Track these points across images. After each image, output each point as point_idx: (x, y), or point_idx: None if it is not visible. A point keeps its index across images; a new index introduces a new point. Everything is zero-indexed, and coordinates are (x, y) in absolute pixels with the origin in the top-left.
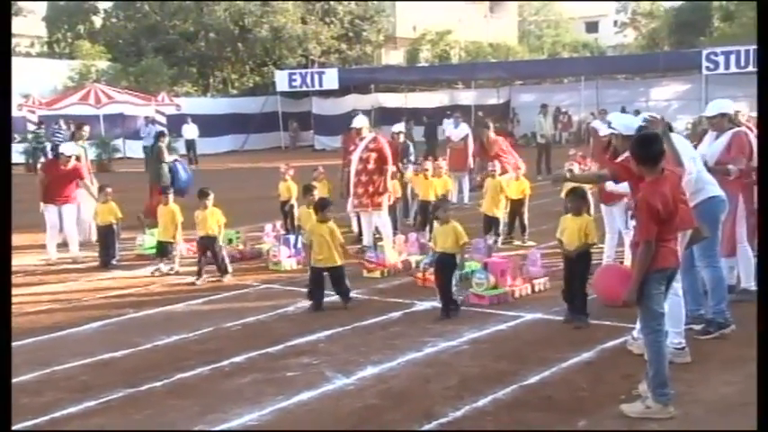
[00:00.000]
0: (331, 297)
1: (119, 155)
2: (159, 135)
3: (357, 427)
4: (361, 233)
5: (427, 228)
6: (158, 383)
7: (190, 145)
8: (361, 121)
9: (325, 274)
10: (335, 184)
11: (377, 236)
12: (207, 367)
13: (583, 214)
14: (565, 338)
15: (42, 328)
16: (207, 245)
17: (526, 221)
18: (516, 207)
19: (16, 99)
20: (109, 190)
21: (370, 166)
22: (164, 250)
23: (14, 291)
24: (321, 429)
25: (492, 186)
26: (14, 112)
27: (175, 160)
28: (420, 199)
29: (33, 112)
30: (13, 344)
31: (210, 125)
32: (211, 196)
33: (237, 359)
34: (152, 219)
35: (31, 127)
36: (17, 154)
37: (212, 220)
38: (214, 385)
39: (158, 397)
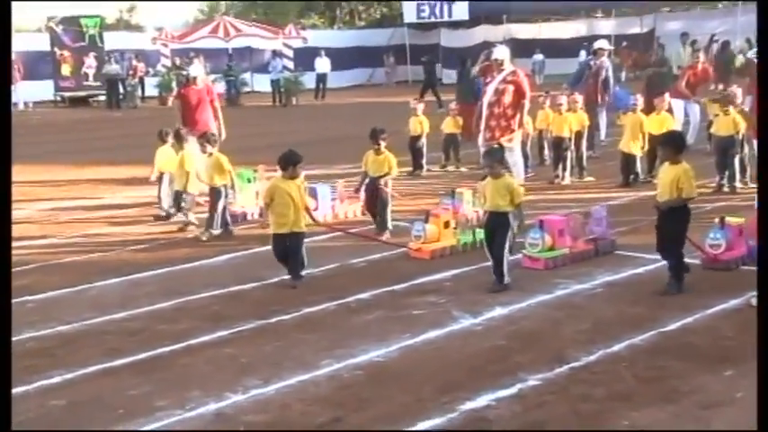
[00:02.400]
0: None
1: (246, 89)
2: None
3: (486, 367)
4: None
5: (560, 166)
6: (286, 317)
7: (321, 79)
8: (501, 52)
9: None
10: (467, 120)
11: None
12: (333, 303)
13: (680, 162)
14: (709, 284)
15: (176, 258)
16: (215, 198)
17: (746, 162)
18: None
19: (150, 33)
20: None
21: (506, 99)
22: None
23: (152, 227)
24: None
25: (631, 122)
26: (148, 46)
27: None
28: (554, 135)
29: (166, 46)
30: (150, 273)
31: (336, 58)
32: (208, 143)
33: (363, 296)
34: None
35: (165, 60)
36: (150, 87)
37: (215, 168)
38: (340, 321)
39: (287, 329)
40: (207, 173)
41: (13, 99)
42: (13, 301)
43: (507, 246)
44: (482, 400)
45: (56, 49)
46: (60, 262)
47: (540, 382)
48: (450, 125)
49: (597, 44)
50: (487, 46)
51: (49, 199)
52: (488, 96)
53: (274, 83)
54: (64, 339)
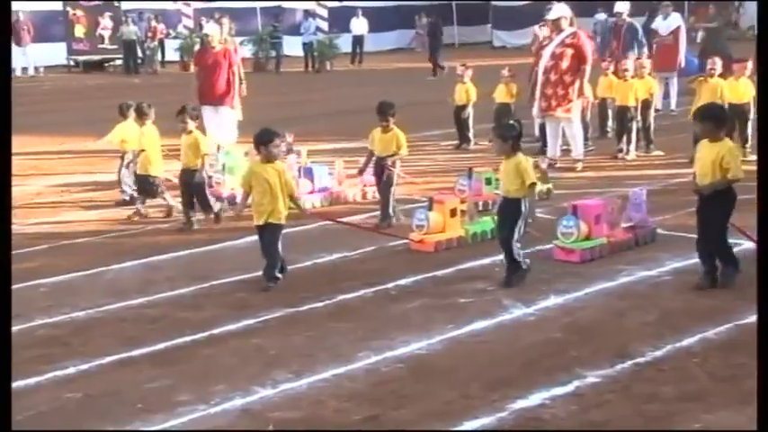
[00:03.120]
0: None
1: (279, 55)
2: None
3: (539, 362)
4: (545, 143)
5: (624, 138)
6: (319, 304)
7: (357, 41)
8: (561, 10)
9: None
10: (522, 86)
11: (565, 147)
12: (371, 289)
13: (722, 139)
14: None
15: (198, 240)
16: (186, 180)
17: (749, 132)
18: (739, 113)
19: None
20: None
21: (564, 64)
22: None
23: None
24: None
25: (707, 90)
26: (169, 5)
27: None
28: (618, 104)
29: (188, 5)
30: (170, 255)
31: (375, 19)
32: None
33: (403, 282)
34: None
35: (186, 21)
36: (172, 50)
37: (191, 148)
38: (379, 309)
39: (319, 318)
40: (182, 153)
41: (23, 63)
42: (24, 284)
43: (516, 236)
44: (535, 399)
45: (68, 9)
46: (73, 242)
47: (600, 380)
48: (502, 93)
49: (617, 7)
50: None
51: (61, 173)
52: (544, 61)
53: (306, 46)
54: (78, 327)
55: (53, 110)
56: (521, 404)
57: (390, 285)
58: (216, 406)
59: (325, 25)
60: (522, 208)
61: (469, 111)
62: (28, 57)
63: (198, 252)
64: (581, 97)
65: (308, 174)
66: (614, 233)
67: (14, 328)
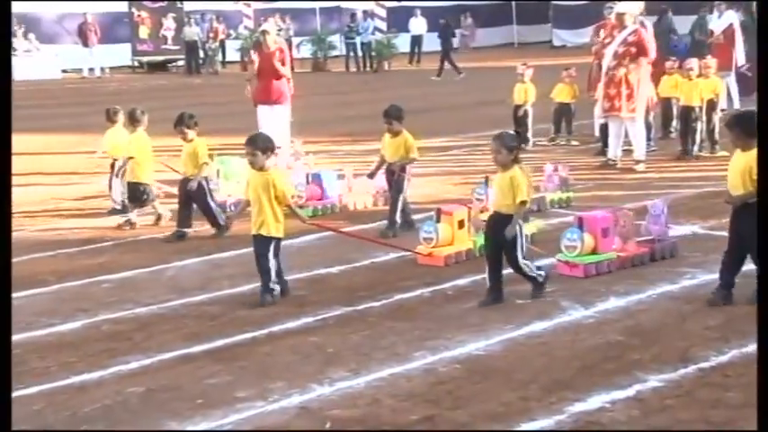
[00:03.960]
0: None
1: (335, 52)
2: None
3: (599, 365)
4: (605, 144)
5: (688, 139)
6: (376, 303)
7: (416, 41)
8: (625, 6)
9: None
10: (582, 87)
11: (626, 147)
12: (427, 289)
13: (754, 147)
14: None
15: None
16: (187, 190)
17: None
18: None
19: None
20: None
21: (628, 62)
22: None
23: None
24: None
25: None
26: (230, 6)
27: None
28: (682, 104)
29: (249, 6)
30: (231, 253)
31: (433, 18)
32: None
33: (461, 282)
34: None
35: (247, 22)
36: (233, 51)
37: (190, 157)
38: (435, 309)
39: (377, 318)
40: (182, 161)
41: (90, 64)
42: (90, 280)
43: (521, 255)
44: (594, 402)
45: (133, 10)
46: (137, 239)
47: (662, 384)
48: (562, 93)
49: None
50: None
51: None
52: (607, 60)
53: (365, 46)
54: (141, 322)
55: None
56: (579, 407)
57: (447, 285)
58: (274, 403)
59: (383, 25)
60: (517, 225)
61: (527, 110)
62: (94, 58)
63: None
64: (645, 96)
65: (317, 180)
66: (626, 247)
67: (80, 323)
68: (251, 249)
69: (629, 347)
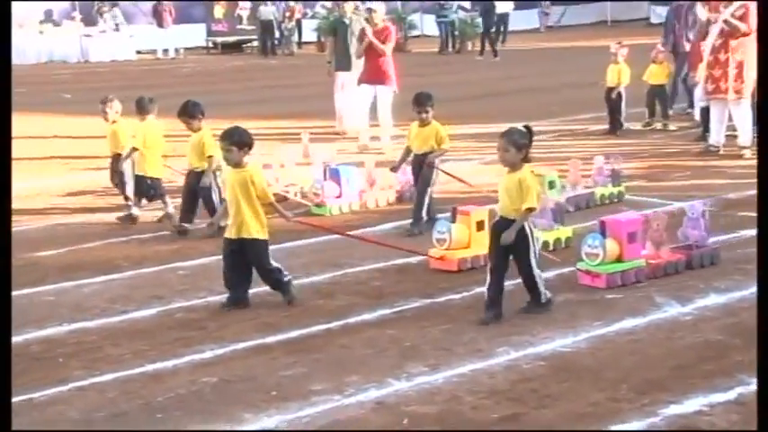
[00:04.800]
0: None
1: (415, 32)
2: None
3: (697, 366)
4: (706, 128)
5: None
6: (457, 296)
7: (501, 20)
8: None
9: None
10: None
11: (729, 133)
12: (511, 282)
13: None
14: None
15: (335, 226)
16: (190, 183)
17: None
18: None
19: None
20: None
21: (734, 42)
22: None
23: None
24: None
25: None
26: None
27: None
28: None
29: None
30: (306, 241)
31: None
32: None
33: (547, 275)
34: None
35: (325, 2)
36: (309, 31)
37: (195, 149)
38: (519, 303)
39: (457, 311)
40: (187, 153)
41: (164, 45)
42: (163, 267)
43: (535, 263)
44: (691, 405)
45: None
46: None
47: None
48: (655, 74)
49: None
50: None
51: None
52: (711, 39)
53: (446, 25)
54: (214, 311)
55: (192, 92)
56: (675, 410)
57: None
58: (350, 397)
59: (467, 3)
60: (527, 230)
61: (622, 93)
62: (168, 39)
63: (334, 239)
64: (750, 76)
65: (335, 175)
66: (659, 253)
67: (154, 310)
68: (325, 238)
69: (730, 347)
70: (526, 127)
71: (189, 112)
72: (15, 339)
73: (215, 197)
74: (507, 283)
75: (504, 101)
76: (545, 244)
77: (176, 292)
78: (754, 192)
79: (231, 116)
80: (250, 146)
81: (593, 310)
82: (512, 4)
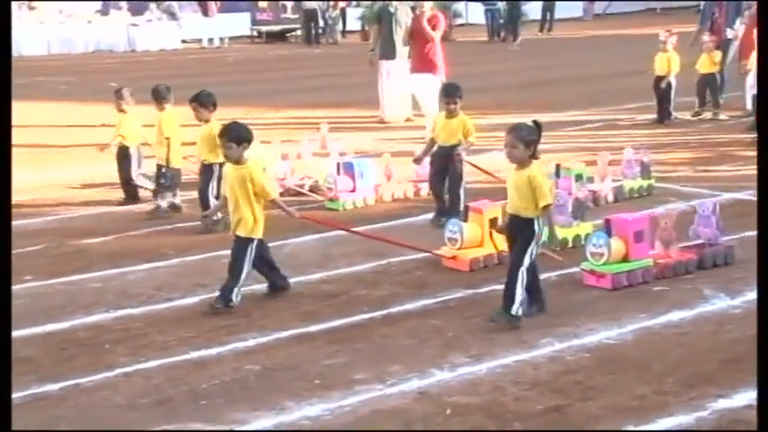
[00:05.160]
0: None
1: (460, 21)
2: None
3: (746, 360)
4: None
5: None
6: (499, 287)
7: (548, 8)
8: None
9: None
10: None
11: None
12: (555, 273)
13: None
14: None
15: (377, 215)
16: (201, 175)
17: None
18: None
19: None
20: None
21: None
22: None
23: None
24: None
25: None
26: None
27: None
28: None
29: None
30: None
31: None
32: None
33: (550, 274)
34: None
35: None
36: (353, 20)
37: (205, 141)
38: (564, 294)
39: (500, 302)
40: (198, 145)
41: (209, 34)
42: (208, 255)
43: (527, 262)
44: (741, 399)
45: None
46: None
47: None
48: (705, 63)
49: None
50: None
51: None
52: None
53: (491, 12)
54: (258, 300)
55: (237, 81)
56: (723, 404)
57: (576, 270)
58: (393, 386)
59: None
60: (536, 228)
61: (670, 81)
62: (214, 27)
63: (375, 228)
64: None
65: (349, 169)
66: (668, 253)
67: (199, 298)
68: (368, 227)
69: None
70: (535, 122)
71: (201, 100)
72: (63, 325)
73: (212, 185)
74: (551, 274)
75: (549, 90)
76: (563, 240)
77: (220, 281)
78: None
79: (275, 105)
80: (249, 141)
81: (638, 303)
82: None
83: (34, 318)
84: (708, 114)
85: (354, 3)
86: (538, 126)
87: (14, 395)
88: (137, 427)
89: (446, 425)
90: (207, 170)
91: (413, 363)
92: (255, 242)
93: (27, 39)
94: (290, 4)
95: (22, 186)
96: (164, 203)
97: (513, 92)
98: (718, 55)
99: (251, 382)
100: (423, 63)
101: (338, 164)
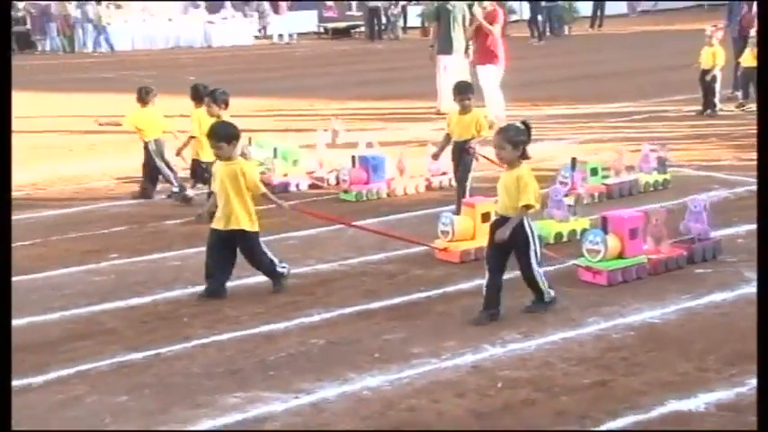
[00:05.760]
0: None
1: (514, 17)
2: None
3: None
4: None
5: None
6: (550, 268)
7: (598, 5)
8: None
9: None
10: None
11: None
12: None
13: None
14: None
15: (431, 201)
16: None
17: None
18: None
19: None
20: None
21: None
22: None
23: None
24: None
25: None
26: None
27: None
28: None
29: None
30: (407, 215)
31: None
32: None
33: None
34: None
35: None
36: (413, 17)
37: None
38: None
39: (550, 282)
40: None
41: (279, 30)
42: (275, 237)
43: (535, 260)
44: None
45: None
46: (319, 199)
47: None
48: (749, 58)
49: None
50: None
51: (306, 130)
52: None
53: (545, 9)
54: (322, 278)
55: (304, 74)
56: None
57: None
58: (447, 360)
59: None
60: (527, 228)
61: (716, 75)
62: (284, 24)
63: (432, 213)
64: None
65: (363, 163)
66: (659, 248)
67: (264, 278)
68: (425, 212)
69: None
70: (524, 123)
71: (214, 97)
72: (145, 300)
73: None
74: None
75: (599, 83)
76: (557, 236)
77: (288, 261)
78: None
79: (340, 97)
80: (237, 137)
81: (681, 284)
82: None
83: (119, 293)
84: (752, 106)
85: (414, 1)
86: (527, 127)
87: (102, 363)
88: (211, 394)
89: (498, 397)
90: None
91: (467, 339)
92: (256, 233)
93: (114, 35)
94: (354, 3)
95: (112, 171)
96: (191, 193)
97: (565, 84)
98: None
99: (315, 355)
100: (484, 55)
101: (353, 157)
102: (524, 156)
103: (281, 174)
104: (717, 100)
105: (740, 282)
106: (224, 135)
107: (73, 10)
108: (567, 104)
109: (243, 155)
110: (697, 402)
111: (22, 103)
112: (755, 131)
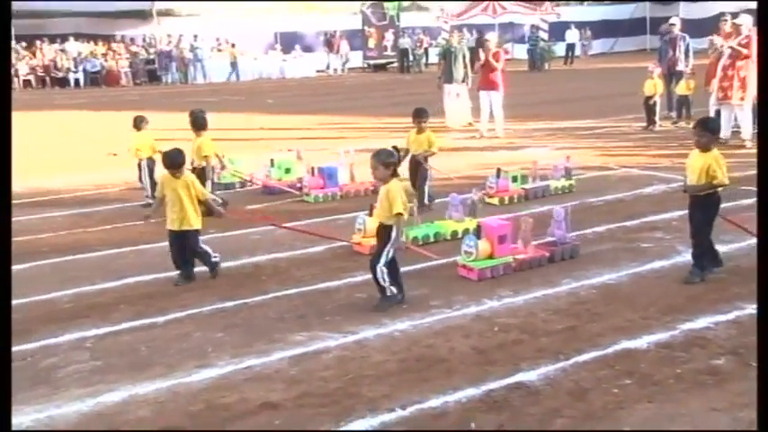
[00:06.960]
0: None
1: (507, 57)
2: None
3: (705, 296)
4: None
5: None
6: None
7: (570, 48)
8: (742, 19)
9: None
10: (699, 83)
11: (735, 129)
12: (573, 233)
13: (711, 150)
14: None
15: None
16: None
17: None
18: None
19: (435, 12)
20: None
21: (740, 62)
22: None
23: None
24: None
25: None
26: (432, 23)
27: None
28: None
29: (446, 22)
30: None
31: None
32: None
33: (599, 229)
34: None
35: (445, 35)
36: (433, 55)
37: (195, 153)
38: (580, 249)
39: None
40: (193, 154)
41: (334, 65)
42: (328, 218)
43: (383, 262)
44: (701, 323)
45: (365, 27)
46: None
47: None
48: (682, 88)
49: (671, 21)
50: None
51: (361, 137)
52: (723, 60)
53: (531, 51)
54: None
55: (351, 98)
56: (689, 326)
57: (588, 231)
58: (457, 310)
59: (545, 35)
60: (393, 234)
61: (656, 100)
62: (338, 61)
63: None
64: (751, 87)
65: (321, 172)
66: (526, 250)
67: (323, 247)
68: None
69: (731, 283)
70: (394, 147)
71: (196, 121)
72: (234, 263)
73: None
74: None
75: (571, 105)
76: (453, 233)
77: (336, 234)
78: (752, 172)
79: (379, 115)
80: (183, 163)
81: (631, 255)
82: (577, 36)
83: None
84: (683, 124)
85: (435, 43)
86: (397, 150)
87: (204, 308)
88: (283, 333)
89: (494, 338)
90: (201, 173)
91: (471, 295)
92: (198, 231)
93: (214, 70)
94: (389, 44)
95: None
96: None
97: (545, 106)
98: (692, 82)
99: (360, 306)
100: (488, 83)
101: (312, 168)
102: (395, 174)
103: (276, 179)
104: (657, 118)
105: (673, 253)
106: (179, 163)
107: (187, 53)
108: (547, 121)
109: (222, 166)
110: (641, 342)
111: (154, 120)
112: (687, 143)
